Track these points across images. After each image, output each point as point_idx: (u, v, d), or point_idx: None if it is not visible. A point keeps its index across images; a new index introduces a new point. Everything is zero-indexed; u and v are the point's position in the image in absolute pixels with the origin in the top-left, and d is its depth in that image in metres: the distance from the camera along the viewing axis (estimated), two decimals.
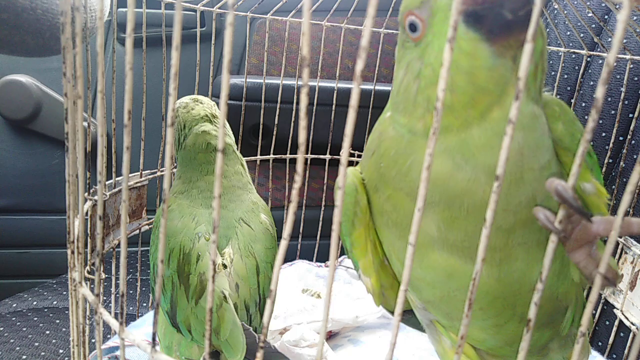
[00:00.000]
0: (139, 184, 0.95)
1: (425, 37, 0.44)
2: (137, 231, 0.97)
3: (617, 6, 0.84)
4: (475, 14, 0.39)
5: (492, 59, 0.41)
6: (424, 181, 0.36)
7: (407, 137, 0.47)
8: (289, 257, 1.22)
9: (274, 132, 1.15)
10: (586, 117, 1.03)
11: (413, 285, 0.52)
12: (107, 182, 0.86)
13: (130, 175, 0.94)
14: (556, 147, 0.47)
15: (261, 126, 1.17)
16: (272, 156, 1.16)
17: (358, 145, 1.11)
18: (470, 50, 0.41)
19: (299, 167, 0.37)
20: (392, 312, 0.58)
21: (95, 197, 0.81)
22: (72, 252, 0.61)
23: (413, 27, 0.45)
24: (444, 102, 0.34)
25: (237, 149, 1.21)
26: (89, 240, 0.79)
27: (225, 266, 0.70)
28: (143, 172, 0.96)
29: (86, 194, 0.81)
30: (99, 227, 0.54)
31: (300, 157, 0.38)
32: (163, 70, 0.98)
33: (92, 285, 0.79)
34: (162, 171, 0.99)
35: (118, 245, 0.90)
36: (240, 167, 0.81)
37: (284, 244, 0.42)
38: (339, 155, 1.23)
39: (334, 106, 1.17)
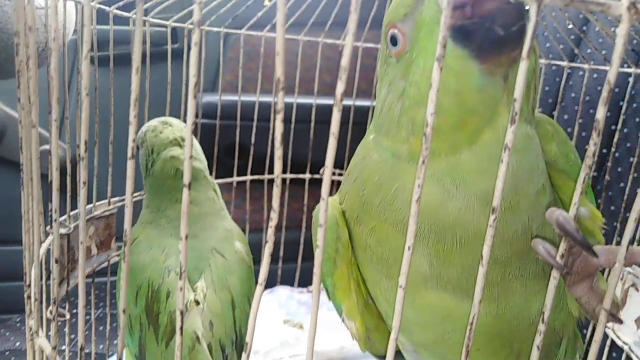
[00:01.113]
0: (107, 213, 0.89)
1: (409, 53, 0.41)
2: (106, 263, 0.91)
3: (602, 18, 0.82)
4: (464, 30, 0.36)
5: (482, 78, 0.37)
6: (414, 216, 0.32)
7: (391, 162, 0.43)
8: (268, 283, 1.17)
9: (251, 152, 1.11)
10: (568, 129, 1.01)
11: (404, 327, 0.48)
12: (72, 213, 0.81)
13: (98, 203, 0.88)
14: (550, 169, 0.45)
15: (237, 145, 1.13)
16: (249, 177, 1.12)
17: (338, 163, 1.08)
18: (458, 69, 0.37)
19: (275, 203, 0.33)
20: (379, 357, 0.54)
21: (60, 232, 0.75)
22: (28, 298, 0.55)
23: (394, 41, 0.42)
24: (432, 126, 0.30)
25: (212, 170, 1.17)
26: (52, 278, 0.73)
27: (197, 302, 0.65)
28: (111, 200, 0.90)
29: (48, 227, 0.76)
30: (54, 272, 0.49)
31: (275, 191, 0.33)
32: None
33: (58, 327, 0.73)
34: (133, 197, 0.93)
35: (87, 278, 0.84)
36: (212, 193, 0.76)
37: (259, 290, 0.37)
38: (319, 173, 1.19)
39: (312, 123, 1.14)
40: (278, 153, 0.33)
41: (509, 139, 0.30)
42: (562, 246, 0.34)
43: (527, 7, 0.36)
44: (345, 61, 0.29)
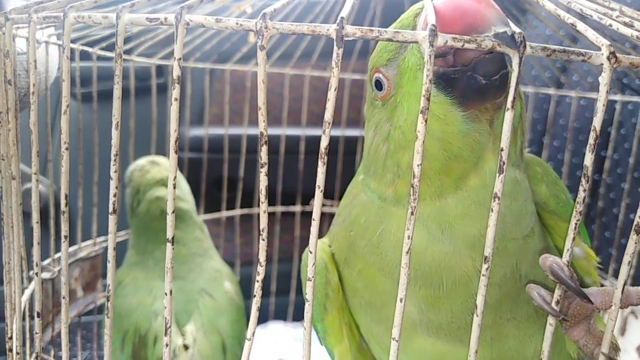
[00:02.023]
0: (93, 254, 0.87)
1: (394, 98, 0.40)
2: (92, 305, 0.89)
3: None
4: (447, 77, 0.36)
5: (466, 124, 0.37)
6: (404, 267, 0.31)
7: (378, 204, 0.43)
8: (260, 318, 1.15)
9: (240, 185, 1.09)
10: (559, 155, 1.01)
11: None
12: (56, 256, 0.79)
13: (83, 244, 0.86)
14: (540, 209, 0.44)
15: (225, 179, 1.11)
16: (238, 211, 1.10)
17: (328, 193, 1.07)
18: (442, 115, 0.37)
19: (262, 256, 0.32)
20: None
21: (42, 275, 0.73)
22: (10, 350, 0.53)
23: (379, 85, 0.41)
24: (420, 177, 0.29)
25: (200, 204, 1.15)
26: (34, 332, 0.71)
27: (186, 347, 0.63)
28: (97, 240, 0.88)
29: (31, 272, 0.74)
30: (36, 326, 0.47)
31: (262, 244, 0.32)
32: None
33: None
34: (117, 237, 0.91)
35: (69, 326, 0.81)
36: (199, 233, 0.75)
37: (247, 345, 0.36)
38: (309, 204, 1.18)
39: (302, 155, 1.13)
40: (263, 207, 0.32)
41: (498, 188, 0.29)
42: (557, 293, 0.33)
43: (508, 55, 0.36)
44: (328, 115, 0.28)
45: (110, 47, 0.87)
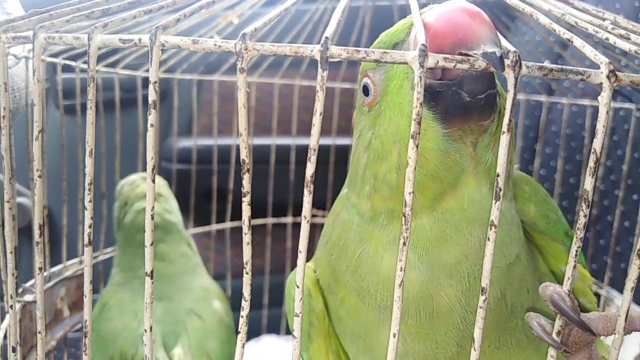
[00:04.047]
0: (79, 272, 0.85)
1: (378, 105, 0.39)
2: (80, 324, 0.86)
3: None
4: (431, 90, 0.34)
5: (446, 143, 0.35)
6: (397, 301, 0.30)
7: (356, 222, 0.41)
8: (253, 331, 1.13)
9: (230, 197, 1.07)
10: (551, 162, 1.00)
11: None
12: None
13: (69, 263, 0.84)
14: (530, 230, 0.43)
15: (215, 191, 1.10)
16: (229, 224, 1.08)
17: (320, 204, 1.05)
18: (422, 129, 0.35)
19: (246, 291, 0.30)
20: None
21: (25, 298, 0.71)
22: None
23: (366, 91, 0.40)
24: (412, 206, 0.28)
25: (190, 216, 1.13)
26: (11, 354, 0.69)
27: None
28: (83, 258, 0.86)
29: (9, 301, 0.71)
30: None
31: (245, 278, 0.31)
32: (102, 142, 0.90)
33: None
34: (105, 254, 0.89)
35: (56, 348, 0.79)
36: (186, 248, 0.73)
37: None
38: (301, 215, 1.16)
39: (292, 165, 1.11)
40: (247, 238, 0.30)
41: (495, 215, 0.27)
42: (558, 323, 0.32)
43: (498, 74, 0.34)
44: (313, 141, 0.27)
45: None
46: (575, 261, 0.28)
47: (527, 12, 0.34)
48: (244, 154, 0.26)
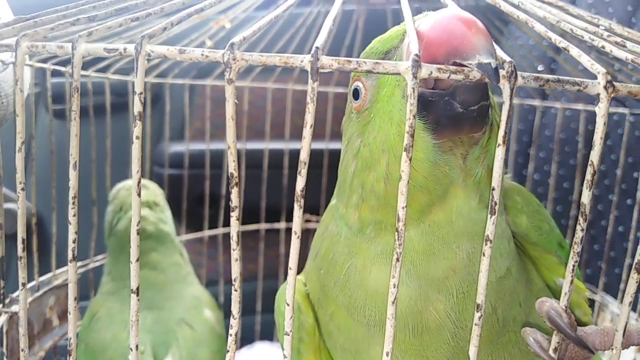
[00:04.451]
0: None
1: (368, 111, 0.38)
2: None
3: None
4: (423, 99, 0.33)
5: (436, 154, 0.35)
6: (390, 319, 0.29)
7: (344, 234, 0.40)
8: (246, 338, 1.12)
9: (223, 202, 1.06)
10: (545, 167, 1.00)
11: None
12: (29, 285, 0.75)
13: (58, 271, 0.82)
14: (522, 241, 0.42)
15: (207, 196, 1.08)
16: (221, 230, 1.07)
17: (314, 209, 1.04)
18: None
19: (234, 308, 0.30)
20: None
21: (12, 309, 0.69)
22: None
23: (356, 94, 0.39)
24: (405, 221, 0.27)
25: (182, 222, 1.12)
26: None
27: None
28: None
29: (1, 305, 0.70)
30: None
31: (234, 295, 0.30)
32: (92, 148, 0.89)
33: None
34: (95, 261, 0.88)
35: (45, 358, 0.78)
36: (178, 257, 0.72)
37: None
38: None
39: (286, 170, 1.10)
40: (235, 255, 0.29)
41: (490, 230, 0.27)
42: (555, 340, 0.31)
43: (491, 85, 0.34)
44: (304, 154, 0.26)
45: (85, 65, 0.84)
46: (572, 276, 0.27)
47: (522, 20, 0.33)
48: (232, 167, 0.26)
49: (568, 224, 0.89)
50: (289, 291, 0.25)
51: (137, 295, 0.29)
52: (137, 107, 0.27)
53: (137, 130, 0.27)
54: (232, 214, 0.26)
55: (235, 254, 0.26)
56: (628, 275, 0.81)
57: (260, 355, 1.03)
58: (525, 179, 1.00)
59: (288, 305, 0.26)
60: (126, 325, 0.63)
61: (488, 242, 0.26)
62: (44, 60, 0.76)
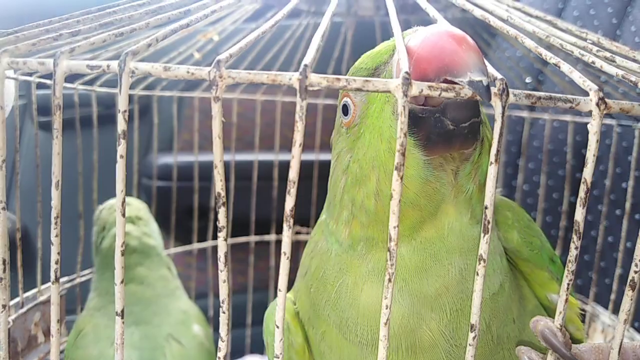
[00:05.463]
0: None
1: (358, 127, 0.38)
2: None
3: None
4: (414, 115, 0.33)
5: (426, 170, 0.34)
6: (383, 340, 0.28)
7: (335, 251, 0.39)
8: (236, 351, 1.10)
9: (212, 215, 1.05)
10: (534, 178, 1.00)
11: None
12: (12, 303, 0.73)
13: (43, 287, 0.80)
14: (514, 257, 0.42)
15: (196, 209, 1.07)
16: (210, 243, 1.06)
17: (304, 220, 1.04)
18: None
19: (223, 331, 0.29)
20: None
21: None
22: None
23: (345, 110, 0.39)
24: (397, 240, 0.26)
25: (171, 234, 1.11)
26: None
27: None
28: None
29: None
30: None
31: (222, 317, 0.29)
32: (78, 161, 0.87)
33: None
34: (81, 276, 0.86)
35: None
36: (165, 271, 0.71)
37: None
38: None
39: (275, 181, 1.10)
40: (222, 276, 0.28)
41: (484, 249, 0.26)
42: (550, 359, 0.31)
43: (481, 103, 0.34)
44: (292, 173, 0.25)
45: (71, 78, 0.83)
46: (567, 295, 0.27)
47: (512, 35, 0.33)
48: (219, 187, 0.25)
49: (558, 235, 0.89)
50: (279, 313, 0.25)
51: (122, 318, 0.28)
52: (120, 125, 0.26)
53: (121, 149, 0.26)
54: (219, 234, 0.25)
55: (223, 275, 0.25)
56: (619, 286, 0.81)
57: None
58: (514, 190, 1.00)
59: (278, 327, 0.25)
60: (113, 341, 0.62)
61: (482, 262, 0.25)
62: (30, 73, 0.75)
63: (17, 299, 0.75)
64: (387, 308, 0.25)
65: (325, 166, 1.13)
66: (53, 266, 0.29)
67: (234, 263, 1.25)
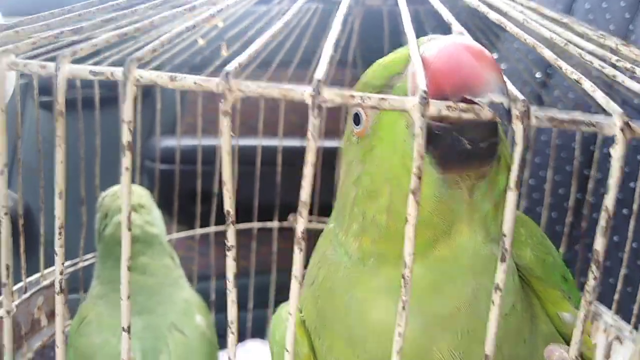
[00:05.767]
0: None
1: (369, 139, 0.37)
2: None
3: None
4: (430, 132, 0.32)
5: (441, 188, 0.33)
6: None
7: (345, 264, 0.39)
8: (237, 335, 1.10)
9: (214, 199, 1.05)
10: (541, 173, 0.99)
11: None
12: (15, 288, 0.73)
13: (46, 271, 0.80)
14: (527, 274, 0.41)
15: (199, 193, 1.07)
16: (213, 228, 1.06)
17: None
18: None
19: (231, 351, 0.28)
20: None
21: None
22: None
23: (357, 119, 0.38)
24: (412, 268, 0.26)
25: (173, 219, 1.10)
26: None
27: None
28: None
29: None
30: None
31: (231, 340, 0.28)
32: (80, 145, 0.87)
33: None
34: (84, 260, 0.86)
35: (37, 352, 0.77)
36: (168, 260, 0.71)
37: None
38: (287, 219, 1.13)
39: (279, 167, 1.09)
40: (232, 296, 0.28)
41: (500, 278, 0.25)
42: None
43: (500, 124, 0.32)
44: (304, 195, 0.24)
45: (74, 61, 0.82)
46: (583, 325, 0.26)
47: (530, 44, 0.32)
48: (228, 205, 0.24)
49: (563, 231, 0.88)
50: (289, 337, 0.24)
51: (129, 333, 0.27)
52: (125, 137, 0.25)
53: (126, 161, 0.25)
54: (228, 253, 0.25)
55: (232, 295, 0.24)
56: (623, 286, 0.80)
57: (251, 353, 1.02)
58: (520, 184, 0.99)
59: (288, 351, 0.25)
60: (116, 330, 0.62)
61: (498, 291, 0.25)
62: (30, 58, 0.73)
63: (20, 284, 0.75)
64: (399, 336, 0.24)
65: (329, 153, 1.13)
66: (58, 277, 0.28)
67: (237, 246, 1.24)
